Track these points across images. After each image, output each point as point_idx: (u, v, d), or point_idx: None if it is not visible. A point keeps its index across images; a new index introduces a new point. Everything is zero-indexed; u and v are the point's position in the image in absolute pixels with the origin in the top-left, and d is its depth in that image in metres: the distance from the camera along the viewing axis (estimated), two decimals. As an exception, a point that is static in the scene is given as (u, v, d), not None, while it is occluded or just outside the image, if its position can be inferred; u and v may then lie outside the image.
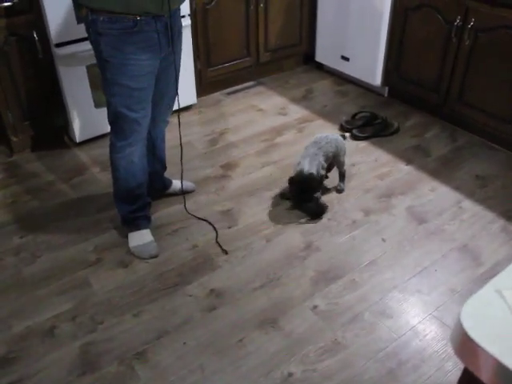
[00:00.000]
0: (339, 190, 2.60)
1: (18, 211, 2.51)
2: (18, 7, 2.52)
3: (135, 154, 2.09)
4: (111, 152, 2.11)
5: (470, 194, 2.56)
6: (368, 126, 3.08)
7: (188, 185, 2.59)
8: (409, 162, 2.83)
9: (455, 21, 2.79)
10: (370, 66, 3.39)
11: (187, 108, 3.38)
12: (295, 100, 3.51)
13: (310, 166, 2.37)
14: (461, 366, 1.59)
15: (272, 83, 3.75)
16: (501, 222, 2.38)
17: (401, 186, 2.63)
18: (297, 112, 3.35)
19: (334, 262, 2.18)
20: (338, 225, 2.39)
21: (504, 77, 2.68)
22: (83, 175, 2.77)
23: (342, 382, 1.70)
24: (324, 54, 3.76)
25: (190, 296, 2.03)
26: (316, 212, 2.42)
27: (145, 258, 2.21)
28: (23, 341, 1.86)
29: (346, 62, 3.57)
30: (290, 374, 1.73)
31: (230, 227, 2.38)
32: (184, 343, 1.84)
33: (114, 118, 2.00)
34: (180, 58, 2.11)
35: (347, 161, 2.63)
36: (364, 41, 3.36)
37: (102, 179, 2.72)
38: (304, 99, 3.52)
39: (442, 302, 1.99)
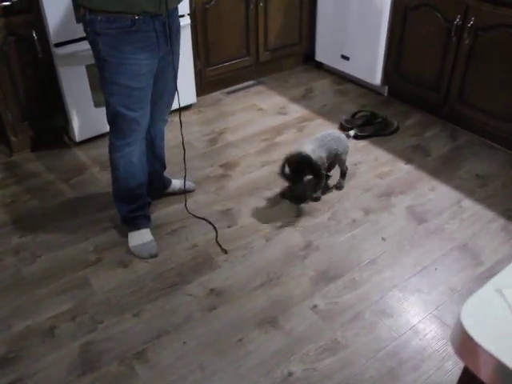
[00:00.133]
0: (339, 187, 2.60)
1: (17, 211, 2.51)
2: (17, 7, 2.51)
3: (134, 153, 2.09)
4: (110, 151, 2.11)
5: (470, 193, 2.56)
6: (368, 125, 3.08)
7: (188, 184, 2.59)
8: (409, 161, 2.83)
9: (455, 20, 2.79)
10: (370, 65, 3.39)
11: (187, 107, 3.38)
12: (295, 99, 3.50)
13: (310, 152, 2.38)
14: (461, 365, 1.59)
15: (272, 82, 3.75)
16: (501, 221, 2.38)
17: (401, 185, 2.63)
18: (297, 111, 3.35)
19: (334, 261, 2.18)
20: (338, 224, 2.39)
21: (504, 76, 2.68)
22: (83, 175, 2.77)
23: (342, 381, 1.70)
24: (324, 53, 3.76)
25: (190, 295, 2.03)
26: (297, 195, 2.39)
27: (144, 258, 2.21)
28: (23, 340, 1.86)
29: (346, 62, 3.57)
30: (290, 374, 1.72)
31: (229, 226, 2.38)
32: (184, 343, 1.84)
33: (113, 118, 2.00)
34: (178, 57, 2.11)
35: (347, 160, 2.62)
36: (364, 40, 3.36)
37: (101, 179, 2.72)
38: (304, 98, 3.52)
39: (442, 301, 1.99)
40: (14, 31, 2.56)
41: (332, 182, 2.65)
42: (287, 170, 2.37)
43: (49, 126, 2.94)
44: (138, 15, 1.77)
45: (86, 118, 2.91)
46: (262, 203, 2.53)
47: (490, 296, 0.74)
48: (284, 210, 2.48)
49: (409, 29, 3.10)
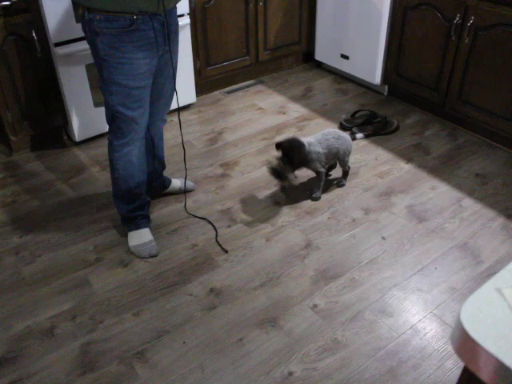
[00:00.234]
0: (340, 185, 2.60)
1: (17, 211, 2.51)
2: (16, 6, 2.51)
3: (133, 152, 2.09)
4: (110, 151, 2.11)
5: (470, 192, 2.56)
6: (368, 125, 3.08)
7: (188, 184, 2.59)
8: (409, 160, 2.83)
9: (455, 19, 2.78)
10: (370, 65, 3.39)
11: (186, 107, 3.38)
12: (295, 98, 3.50)
13: (305, 142, 2.40)
14: (461, 365, 1.59)
15: (271, 82, 3.75)
16: (501, 220, 2.38)
17: (401, 185, 2.63)
18: (296, 111, 3.35)
19: (334, 261, 2.18)
20: (338, 223, 2.39)
21: (504, 75, 2.68)
22: (83, 174, 2.77)
23: (342, 380, 1.70)
24: (323, 52, 3.76)
25: (190, 295, 2.03)
26: (278, 173, 2.39)
27: (144, 258, 2.21)
28: (23, 340, 1.86)
29: (346, 61, 3.57)
30: (290, 373, 1.72)
31: (229, 226, 2.38)
32: (184, 342, 1.84)
33: (112, 117, 2.00)
34: (177, 57, 2.11)
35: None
36: (363, 39, 3.36)
37: (101, 178, 2.72)
38: (304, 98, 3.52)
39: (442, 301, 1.99)
40: (13, 31, 2.56)
41: (333, 178, 2.65)
42: (279, 151, 2.41)
43: (48, 125, 2.93)
44: (136, 15, 1.77)
45: (85, 117, 2.91)
46: (262, 203, 2.53)
47: (490, 295, 0.73)
48: (284, 209, 2.48)
49: (408, 28, 3.10)
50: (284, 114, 3.32)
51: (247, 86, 3.69)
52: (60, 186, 2.68)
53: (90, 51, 1.95)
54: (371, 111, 3.15)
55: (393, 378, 1.71)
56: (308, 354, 1.79)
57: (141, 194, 2.23)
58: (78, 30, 2.56)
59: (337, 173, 2.70)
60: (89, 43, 1.89)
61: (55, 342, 1.85)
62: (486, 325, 0.69)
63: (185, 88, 3.24)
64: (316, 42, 3.78)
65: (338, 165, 2.66)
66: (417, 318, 1.93)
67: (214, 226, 2.37)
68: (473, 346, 0.67)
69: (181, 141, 3.00)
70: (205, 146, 3.01)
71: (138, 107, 1.97)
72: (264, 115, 3.31)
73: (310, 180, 2.67)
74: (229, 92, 3.61)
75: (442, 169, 2.75)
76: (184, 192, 2.47)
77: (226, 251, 2.24)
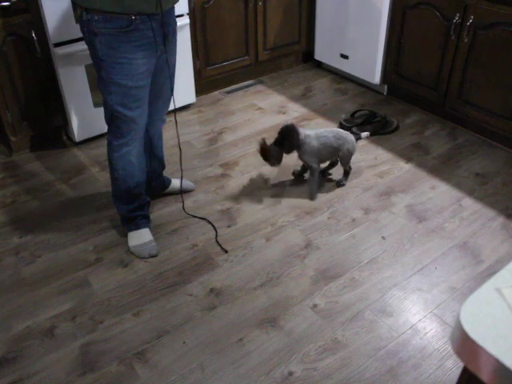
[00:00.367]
0: (340, 184, 2.61)
1: (17, 211, 2.51)
2: (16, 7, 2.51)
3: (133, 152, 2.09)
4: (109, 151, 2.11)
5: (470, 192, 2.56)
6: (367, 124, 3.08)
7: (188, 184, 2.59)
8: (408, 160, 2.83)
9: (454, 18, 2.78)
10: (369, 64, 3.39)
11: (186, 107, 3.38)
12: (294, 98, 3.50)
13: (302, 132, 2.44)
14: (461, 365, 1.59)
15: (271, 82, 3.75)
16: (501, 220, 2.38)
17: (400, 184, 2.63)
18: (296, 110, 3.35)
19: (334, 261, 2.18)
20: (338, 223, 2.39)
21: (503, 74, 2.67)
22: (82, 175, 2.77)
23: (342, 380, 1.70)
24: (323, 52, 3.76)
25: (190, 295, 2.03)
26: (263, 150, 2.46)
27: (144, 258, 2.21)
28: (23, 341, 1.86)
29: (345, 60, 3.57)
30: (291, 373, 1.72)
31: (229, 226, 2.38)
32: (184, 342, 1.84)
33: (111, 117, 2.00)
34: (175, 57, 2.11)
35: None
36: (363, 39, 3.36)
37: (101, 179, 2.72)
38: (303, 97, 3.52)
39: (442, 300, 1.99)
40: (13, 31, 2.56)
41: (334, 178, 2.66)
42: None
43: (48, 125, 2.93)
44: (134, 15, 1.77)
45: (85, 117, 2.91)
46: (262, 203, 2.53)
47: (490, 296, 0.73)
48: (284, 209, 2.48)
49: (408, 27, 3.10)
50: (284, 113, 3.32)
51: (247, 86, 3.69)
52: (60, 187, 2.68)
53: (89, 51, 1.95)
54: (371, 111, 3.15)
55: (393, 378, 1.71)
56: (308, 354, 1.79)
57: (140, 193, 2.23)
58: (77, 31, 2.54)
59: (337, 172, 2.70)
60: (87, 44, 1.89)
61: (55, 343, 1.85)
62: (486, 325, 0.69)
63: (184, 88, 3.24)
64: (315, 41, 3.78)
65: (338, 163, 2.66)
66: (417, 317, 1.93)
67: (213, 226, 2.37)
68: (472, 346, 0.67)
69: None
70: (204, 146, 3.01)
71: (136, 107, 1.97)
72: (264, 115, 3.31)
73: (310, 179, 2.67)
74: (228, 92, 3.61)
75: (441, 168, 2.75)
76: (181, 192, 2.47)
77: (226, 251, 2.24)
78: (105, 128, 2.10)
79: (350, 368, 1.74)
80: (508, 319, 0.70)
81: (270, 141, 2.52)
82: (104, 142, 2.14)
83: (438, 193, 2.57)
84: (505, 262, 2.15)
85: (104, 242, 2.31)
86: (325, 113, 3.31)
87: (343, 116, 3.20)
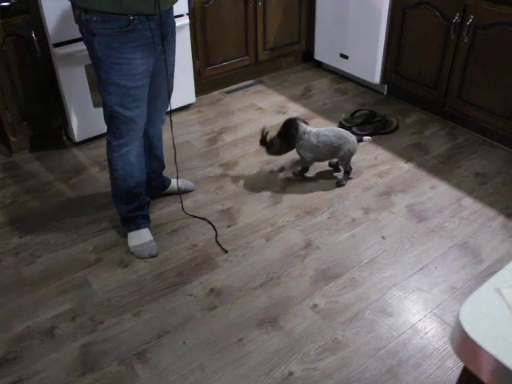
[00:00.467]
0: (340, 185, 2.60)
1: (17, 211, 2.51)
2: (15, 7, 2.51)
3: (132, 153, 2.09)
4: (108, 152, 2.11)
5: (470, 192, 2.56)
6: (367, 124, 3.08)
7: (188, 184, 2.59)
8: (408, 159, 2.82)
9: (454, 18, 2.78)
10: (369, 64, 3.39)
11: (186, 107, 3.38)
12: (294, 98, 3.50)
13: (304, 127, 2.52)
14: (461, 364, 1.59)
15: (271, 82, 3.75)
16: (501, 219, 2.38)
17: (400, 184, 2.63)
18: (296, 110, 3.35)
19: (334, 261, 2.18)
20: (338, 223, 2.39)
21: (503, 74, 2.67)
22: (82, 175, 2.76)
23: (342, 380, 1.70)
24: (323, 51, 3.76)
25: (190, 295, 2.03)
26: (264, 139, 2.58)
27: (144, 258, 2.21)
28: (23, 341, 1.86)
29: (345, 60, 3.57)
30: (291, 373, 1.72)
31: (229, 226, 2.38)
32: (184, 343, 1.84)
33: (110, 117, 2.00)
34: (174, 57, 2.11)
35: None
36: (363, 39, 3.36)
37: (100, 179, 2.72)
38: (303, 97, 3.52)
39: (442, 300, 1.99)
40: (12, 31, 2.56)
41: (334, 177, 2.66)
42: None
43: (48, 126, 2.93)
44: (132, 15, 1.77)
45: (85, 118, 2.91)
46: (262, 203, 2.53)
47: (489, 296, 0.73)
48: (284, 209, 2.48)
49: (408, 27, 3.10)
50: (284, 113, 3.31)
51: (247, 86, 3.69)
52: (60, 187, 2.68)
53: (88, 52, 1.95)
54: (371, 111, 3.15)
55: (393, 378, 1.71)
56: (308, 354, 1.79)
57: (140, 194, 2.23)
58: (77, 31, 2.51)
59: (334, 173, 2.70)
60: (86, 44, 1.90)
61: (55, 343, 1.85)
62: (486, 325, 0.69)
63: (184, 88, 3.24)
64: (315, 41, 3.78)
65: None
66: (417, 317, 1.93)
67: (213, 226, 2.37)
68: (472, 346, 0.67)
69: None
70: (204, 146, 3.01)
71: (136, 107, 1.97)
72: (263, 115, 3.31)
73: (314, 178, 2.67)
74: (228, 92, 3.61)
75: (441, 168, 2.75)
76: (178, 192, 2.47)
77: (226, 251, 2.24)
78: (105, 128, 2.10)
79: (350, 368, 1.74)
80: (508, 319, 0.70)
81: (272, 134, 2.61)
82: (104, 142, 2.14)
83: (437, 192, 2.57)
84: (505, 261, 2.15)
85: (104, 242, 2.31)
86: (325, 113, 3.31)
87: (343, 116, 3.20)
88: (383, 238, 2.30)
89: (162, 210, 2.49)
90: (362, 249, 2.24)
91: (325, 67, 3.91)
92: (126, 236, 2.28)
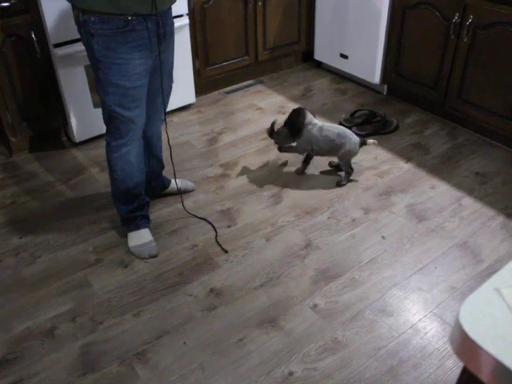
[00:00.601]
0: (340, 185, 2.61)
1: (17, 212, 2.51)
2: (15, 7, 2.51)
3: (131, 153, 2.09)
4: (107, 152, 2.11)
5: (470, 191, 2.56)
6: (367, 124, 3.08)
7: (187, 184, 2.59)
8: (408, 159, 2.83)
9: (453, 18, 2.78)
10: (369, 64, 3.39)
11: (186, 107, 3.38)
12: (294, 98, 3.50)
13: (311, 118, 2.55)
14: (461, 364, 1.59)
15: (271, 82, 3.75)
16: (501, 219, 2.38)
17: (400, 184, 2.63)
18: (296, 110, 3.35)
19: (334, 261, 2.18)
20: (338, 223, 2.39)
21: (503, 73, 2.67)
22: (82, 175, 2.77)
23: (342, 380, 1.70)
24: (323, 51, 3.76)
25: (190, 295, 2.03)
26: (271, 129, 2.66)
27: (144, 258, 2.21)
28: (23, 341, 1.86)
29: (345, 60, 3.57)
30: (291, 373, 1.72)
31: (229, 226, 2.38)
32: (184, 343, 1.84)
33: (109, 118, 2.00)
34: (173, 57, 2.11)
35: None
36: (363, 39, 3.36)
37: (100, 179, 2.72)
38: (303, 97, 3.52)
39: (442, 300, 1.99)
40: (12, 32, 2.56)
41: (334, 177, 2.66)
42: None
43: (48, 126, 2.93)
44: (130, 16, 1.77)
45: (85, 118, 2.91)
46: (262, 203, 2.53)
47: (489, 296, 0.73)
48: (284, 209, 2.48)
49: (407, 27, 3.10)
50: (284, 113, 3.31)
51: (247, 86, 3.69)
52: (60, 187, 2.68)
53: (88, 52, 1.95)
54: (370, 111, 3.15)
55: (393, 378, 1.71)
56: (308, 354, 1.79)
57: (140, 194, 2.23)
58: (77, 31, 2.56)
59: (335, 172, 2.70)
60: (84, 45, 1.90)
61: (55, 343, 1.85)
62: (485, 325, 0.69)
63: (184, 88, 3.24)
64: (315, 41, 3.78)
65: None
66: (417, 317, 1.93)
67: (213, 227, 2.37)
68: (472, 346, 0.67)
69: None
70: (204, 146, 3.01)
71: (134, 107, 1.97)
72: (263, 115, 3.31)
73: (318, 176, 2.67)
74: (228, 92, 3.61)
75: (441, 168, 2.75)
76: (178, 192, 2.47)
77: (226, 251, 2.24)
78: (104, 128, 2.10)
79: (350, 368, 1.74)
80: (507, 319, 0.70)
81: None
82: (104, 142, 2.14)
83: (437, 192, 2.57)
84: (505, 261, 2.15)
85: (104, 242, 2.31)
86: (325, 113, 3.31)
87: (343, 116, 3.20)
88: (383, 237, 2.30)
89: (161, 210, 2.49)
90: (362, 249, 2.24)
91: (325, 67, 3.91)
92: (126, 236, 2.28)
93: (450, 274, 2.10)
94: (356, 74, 3.56)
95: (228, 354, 1.80)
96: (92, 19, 1.77)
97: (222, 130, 3.15)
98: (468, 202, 2.50)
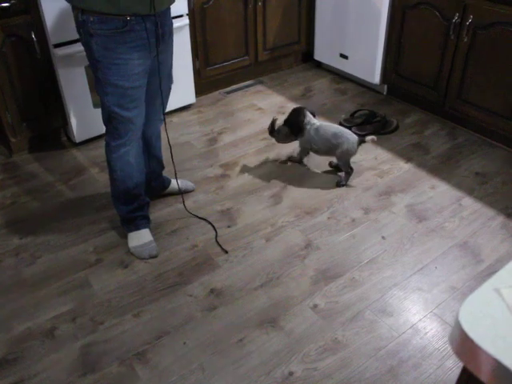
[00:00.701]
0: (340, 185, 2.61)
1: (17, 212, 2.51)
2: (15, 8, 2.51)
3: (131, 153, 2.09)
4: (107, 152, 2.11)
5: (470, 191, 2.56)
6: (367, 124, 3.08)
7: (188, 184, 2.59)
8: (408, 159, 2.83)
9: (453, 18, 2.78)
10: (369, 64, 3.39)
11: (186, 107, 3.38)
12: (294, 98, 3.50)
13: (310, 118, 2.59)
14: (461, 364, 1.59)
15: (271, 82, 3.75)
16: (501, 219, 2.38)
17: (400, 184, 2.63)
18: (296, 110, 3.35)
19: (334, 261, 2.18)
20: (338, 223, 2.39)
21: (503, 73, 2.67)
22: (82, 175, 2.77)
23: (342, 380, 1.70)
24: (323, 52, 3.76)
25: (190, 296, 2.03)
26: (272, 126, 2.72)
27: (144, 258, 2.21)
28: (23, 342, 1.86)
29: (345, 60, 3.57)
30: (291, 373, 1.72)
31: (229, 226, 2.38)
32: (184, 343, 1.84)
33: (108, 118, 2.00)
34: (172, 57, 2.12)
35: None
36: (363, 39, 3.36)
37: (100, 179, 2.72)
38: (303, 97, 3.52)
39: (442, 300, 1.99)
40: (12, 32, 2.56)
41: (334, 179, 2.66)
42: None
43: (48, 126, 2.94)
44: (129, 16, 1.77)
45: (84, 118, 2.91)
46: (262, 203, 2.53)
47: (489, 296, 0.73)
48: (284, 209, 2.48)
49: (407, 27, 3.10)
50: (283, 114, 3.30)
51: (247, 86, 3.69)
52: (60, 188, 2.68)
53: (88, 52, 1.95)
54: (370, 111, 3.15)
55: (393, 378, 1.71)
56: (308, 354, 1.79)
57: (140, 194, 2.23)
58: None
59: (334, 172, 2.70)
60: (83, 45, 1.90)
61: (56, 344, 1.85)
62: (485, 325, 0.69)
63: (184, 88, 3.24)
64: (315, 41, 3.78)
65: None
66: (417, 317, 1.93)
67: (213, 227, 2.37)
68: (471, 346, 0.67)
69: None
70: (204, 146, 3.01)
71: (134, 107, 1.97)
72: (263, 115, 3.31)
73: (320, 174, 2.67)
74: (228, 92, 3.61)
75: (441, 168, 2.75)
76: (180, 192, 2.47)
77: (226, 251, 2.24)
78: (104, 129, 2.10)
79: (350, 368, 1.74)
80: (507, 319, 0.70)
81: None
82: (103, 142, 2.14)
83: (437, 192, 2.57)
84: (505, 261, 2.15)
85: (104, 242, 2.31)
86: (324, 113, 3.31)
87: (343, 116, 3.20)
88: (383, 237, 2.30)
89: (161, 211, 2.49)
90: (362, 249, 2.24)
91: (325, 67, 3.91)
92: (126, 237, 2.28)
93: (450, 274, 2.10)
94: (356, 74, 3.56)
95: (228, 355, 1.80)
96: (91, 19, 1.77)
97: (222, 130, 3.15)
98: (468, 202, 2.50)
